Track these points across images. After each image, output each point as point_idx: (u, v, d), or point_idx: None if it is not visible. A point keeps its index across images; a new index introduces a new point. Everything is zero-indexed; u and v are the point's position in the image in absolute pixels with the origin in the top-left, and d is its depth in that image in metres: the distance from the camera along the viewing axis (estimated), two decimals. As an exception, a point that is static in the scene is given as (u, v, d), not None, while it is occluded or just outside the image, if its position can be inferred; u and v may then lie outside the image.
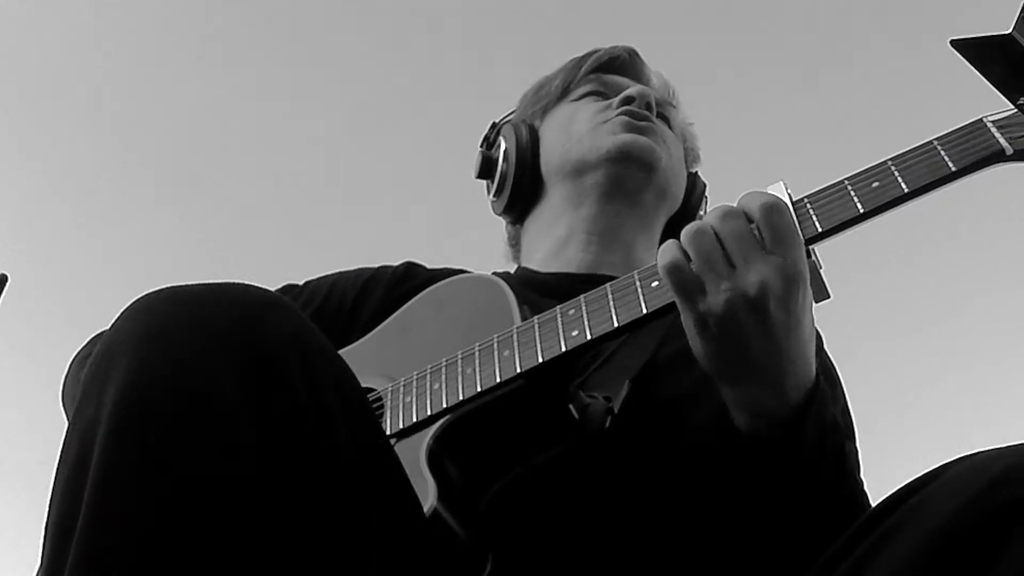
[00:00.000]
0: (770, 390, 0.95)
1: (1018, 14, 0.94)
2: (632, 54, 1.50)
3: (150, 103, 3.55)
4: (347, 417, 0.86)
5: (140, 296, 0.86)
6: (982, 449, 0.85)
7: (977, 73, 0.98)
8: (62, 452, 0.82)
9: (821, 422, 0.97)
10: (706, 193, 1.52)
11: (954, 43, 0.97)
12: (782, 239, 0.93)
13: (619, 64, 1.49)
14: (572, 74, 1.48)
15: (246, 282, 0.91)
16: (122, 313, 0.85)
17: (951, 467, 0.85)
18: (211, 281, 1.18)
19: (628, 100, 1.39)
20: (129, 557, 0.73)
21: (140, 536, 0.73)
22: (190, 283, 1.13)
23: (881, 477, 1.09)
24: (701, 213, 1.50)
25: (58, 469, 0.81)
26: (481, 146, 1.55)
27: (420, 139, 3.54)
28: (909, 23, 3.29)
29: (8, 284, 1.16)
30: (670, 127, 1.46)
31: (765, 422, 0.96)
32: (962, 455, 0.86)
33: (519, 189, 1.46)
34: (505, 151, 1.47)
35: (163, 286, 0.86)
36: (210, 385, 0.78)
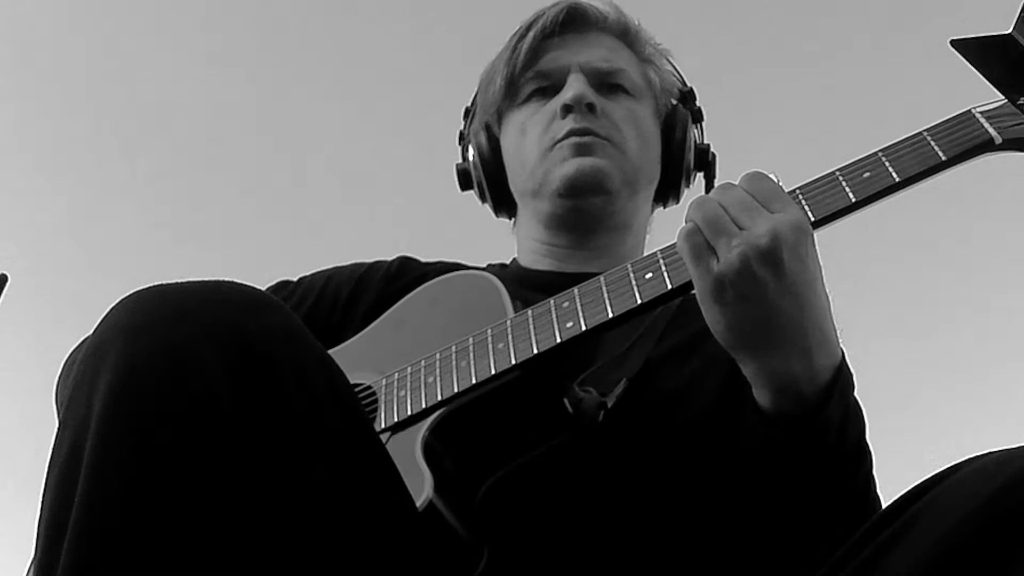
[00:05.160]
0: (797, 357, 0.93)
1: (1018, 14, 0.95)
2: (565, 22, 1.39)
3: (148, 99, 3.55)
4: (338, 414, 0.86)
5: (128, 293, 0.86)
6: (992, 450, 0.84)
7: (977, 73, 0.99)
8: (54, 447, 0.82)
9: (845, 406, 0.96)
10: (692, 116, 1.44)
11: (954, 43, 0.98)
12: (774, 196, 0.95)
13: (558, 38, 1.39)
14: (511, 69, 1.39)
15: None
16: (110, 310, 0.85)
17: (961, 468, 0.84)
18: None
19: (567, 110, 1.33)
20: (123, 550, 0.73)
21: (134, 529, 0.74)
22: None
23: (886, 478, 1.07)
24: (694, 136, 1.43)
25: (50, 464, 0.82)
26: (459, 142, 1.52)
27: (419, 127, 3.49)
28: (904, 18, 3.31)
29: (8, 284, 1.14)
30: (628, 88, 1.38)
31: (790, 399, 0.94)
32: (971, 456, 0.85)
33: (498, 199, 1.46)
34: (474, 162, 1.46)
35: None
36: (201, 379, 0.79)
